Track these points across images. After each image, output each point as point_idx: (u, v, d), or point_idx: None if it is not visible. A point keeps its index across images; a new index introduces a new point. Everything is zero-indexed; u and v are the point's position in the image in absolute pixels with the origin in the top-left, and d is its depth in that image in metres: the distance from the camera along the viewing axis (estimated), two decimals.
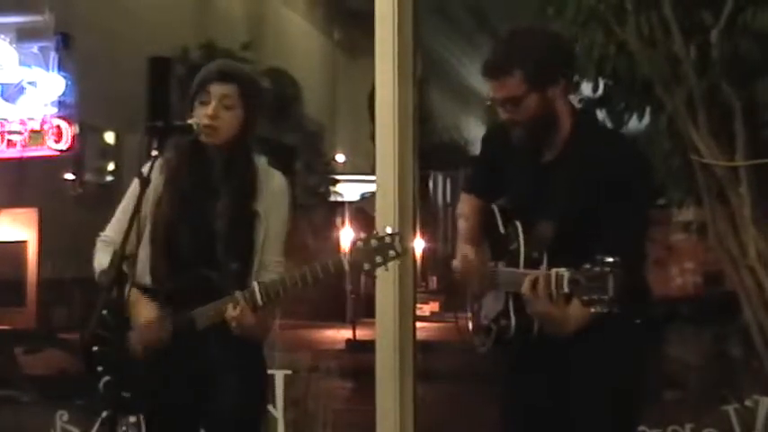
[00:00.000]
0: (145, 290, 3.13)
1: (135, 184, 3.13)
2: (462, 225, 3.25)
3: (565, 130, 2.95)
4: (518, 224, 2.95)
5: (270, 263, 3.19)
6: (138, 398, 3.11)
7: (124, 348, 3.06)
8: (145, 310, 3.09)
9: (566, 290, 2.65)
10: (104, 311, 3.08)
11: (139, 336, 3.07)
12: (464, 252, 3.15)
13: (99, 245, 3.24)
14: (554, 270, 2.69)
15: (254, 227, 3.16)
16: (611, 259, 2.56)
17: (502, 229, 3.06)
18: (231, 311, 2.99)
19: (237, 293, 3.01)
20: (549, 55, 2.92)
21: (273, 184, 3.25)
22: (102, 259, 3.15)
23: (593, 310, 2.59)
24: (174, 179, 3.18)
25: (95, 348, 3.12)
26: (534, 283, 2.73)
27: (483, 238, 3.16)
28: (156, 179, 3.15)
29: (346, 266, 2.99)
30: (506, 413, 3.21)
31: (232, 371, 3.11)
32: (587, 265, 2.57)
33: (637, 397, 3.04)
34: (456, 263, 3.17)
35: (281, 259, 3.23)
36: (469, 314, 3.23)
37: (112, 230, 3.22)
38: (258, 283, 3.04)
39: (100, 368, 3.12)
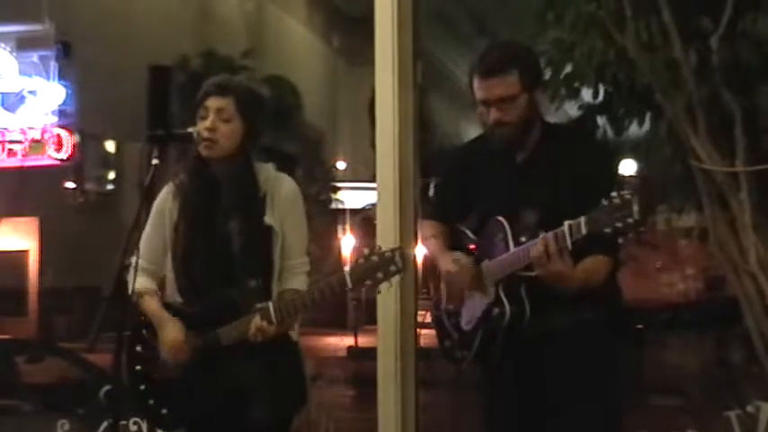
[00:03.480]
0: (175, 310, 3.21)
1: (155, 208, 3.22)
2: (434, 242, 3.36)
3: (537, 131, 3.17)
4: (500, 218, 3.09)
5: (294, 266, 3.26)
6: (179, 414, 3.20)
7: (164, 366, 3.19)
8: (172, 331, 3.17)
9: (584, 231, 2.80)
10: (144, 331, 3.21)
11: (167, 355, 3.17)
12: (454, 257, 3.21)
13: (136, 272, 3.11)
14: (565, 222, 2.83)
15: (270, 241, 3.21)
16: (627, 192, 2.75)
17: (472, 236, 3.23)
18: (252, 330, 3.07)
19: (254, 315, 3.08)
20: (534, 60, 3.24)
21: (283, 190, 3.28)
22: (138, 284, 3.12)
23: (620, 240, 2.79)
24: (187, 203, 3.23)
25: (138, 368, 3.21)
26: (546, 243, 2.86)
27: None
28: (171, 204, 3.25)
29: (349, 284, 3.03)
30: (497, 411, 3.26)
31: (270, 380, 3.17)
32: (604, 202, 2.75)
33: (623, 393, 3.19)
34: (448, 267, 3.22)
35: (305, 259, 3.30)
36: (448, 326, 3.28)
37: (143, 255, 3.18)
38: (272, 303, 3.10)
39: (143, 387, 3.21)
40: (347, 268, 3.05)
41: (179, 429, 3.29)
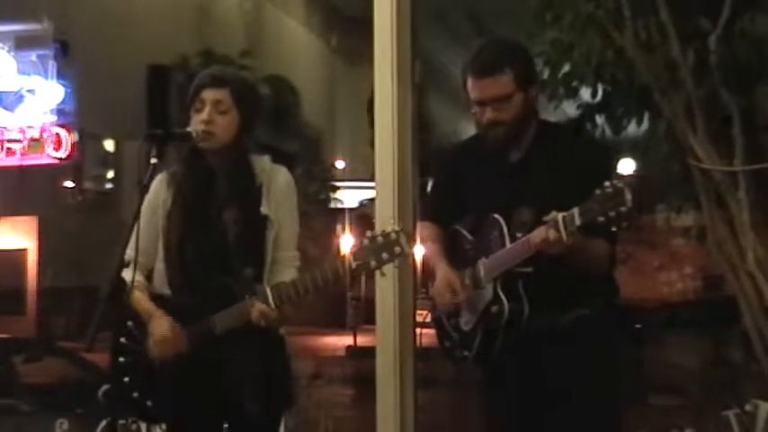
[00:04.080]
0: (164, 301, 3.18)
1: (148, 198, 3.17)
2: (432, 247, 3.34)
3: (532, 129, 3.16)
4: (496, 216, 3.08)
5: (286, 259, 3.25)
6: (163, 407, 3.17)
7: (149, 358, 3.15)
8: (160, 325, 3.13)
9: (578, 222, 2.79)
10: (129, 322, 3.17)
11: (155, 350, 3.13)
12: (447, 277, 3.18)
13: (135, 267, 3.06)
14: (559, 215, 2.82)
15: (265, 230, 3.20)
16: (619, 180, 2.74)
17: (469, 237, 3.23)
18: (255, 314, 3.04)
19: (252, 298, 3.06)
20: (528, 58, 3.21)
21: (279, 181, 3.28)
22: (129, 278, 3.04)
23: (613, 228, 2.77)
24: (181, 193, 3.22)
25: (122, 359, 3.18)
26: (546, 230, 2.85)
27: (451, 254, 3.27)
28: (164, 193, 3.23)
29: (353, 265, 3.00)
30: (497, 407, 3.26)
31: (257, 375, 3.13)
32: (597, 191, 2.75)
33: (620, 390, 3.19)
34: (438, 290, 3.19)
35: (297, 253, 3.29)
36: (448, 327, 3.27)
37: (131, 249, 3.09)
38: (270, 287, 3.09)
39: (126, 378, 3.18)
40: (351, 253, 3.02)
41: (163, 422, 3.27)
